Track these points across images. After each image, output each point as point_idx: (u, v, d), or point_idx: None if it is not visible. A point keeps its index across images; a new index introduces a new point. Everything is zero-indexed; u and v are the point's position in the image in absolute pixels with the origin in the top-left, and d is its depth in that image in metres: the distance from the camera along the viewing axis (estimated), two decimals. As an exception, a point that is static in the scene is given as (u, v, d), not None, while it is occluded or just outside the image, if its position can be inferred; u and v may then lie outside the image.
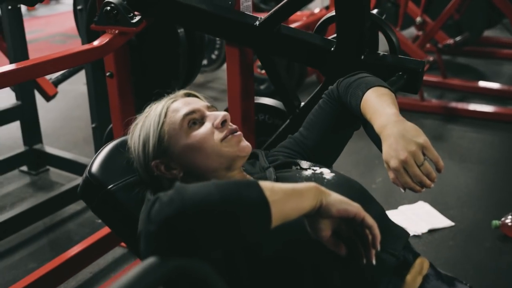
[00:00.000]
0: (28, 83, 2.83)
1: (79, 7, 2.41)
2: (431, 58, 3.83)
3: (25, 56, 2.73)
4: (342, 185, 1.13)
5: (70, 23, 2.93)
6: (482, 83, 4.25)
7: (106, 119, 2.41)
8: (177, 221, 0.75)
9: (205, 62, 4.29)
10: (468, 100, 4.01)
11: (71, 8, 2.57)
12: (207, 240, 0.77)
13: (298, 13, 4.05)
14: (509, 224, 2.30)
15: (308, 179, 1.14)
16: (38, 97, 2.95)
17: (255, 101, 1.83)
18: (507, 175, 2.93)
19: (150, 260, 0.72)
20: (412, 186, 1.00)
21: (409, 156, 0.99)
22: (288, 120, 1.71)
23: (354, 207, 0.91)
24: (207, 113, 1.17)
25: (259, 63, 3.45)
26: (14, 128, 3.18)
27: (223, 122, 1.15)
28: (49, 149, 3.00)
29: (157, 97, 1.24)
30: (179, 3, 1.67)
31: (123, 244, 2.22)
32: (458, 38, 4.21)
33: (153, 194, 1.12)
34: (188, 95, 1.23)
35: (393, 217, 2.41)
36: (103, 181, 1.20)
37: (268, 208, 0.80)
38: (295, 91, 1.76)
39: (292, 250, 1.00)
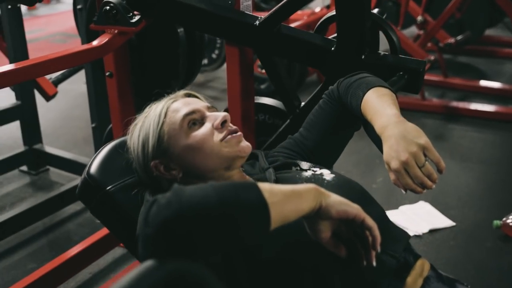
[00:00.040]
0: (28, 82, 2.83)
1: (78, 7, 2.40)
2: (432, 57, 3.82)
3: (25, 56, 2.72)
4: (342, 186, 1.12)
5: (70, 23, 2.92)
6: (484, 82, 4.25)
7: (106, 119, 2.41)
8: (175, 224, 0.74)
9: (205, 61, 4.28)
10: (469, 99, 4.00)
11: (71, 7, 2.57)
12: (205, 243, 0.76)
13: (299, 12, 4.04)
14: (511, 224, 2.29)
15: (308, 180, 1.13)
16: (38, 97, 2.95)
17: (255, 101, 1.82)
18: (508, 174, 2.92)
19: (148, 263, 0.71)
20: (413, 187, 0.99)
21: (410, 157, 0.98)
22: (288, 120, 1.70)
23: (354, 209, 0.90)
24: (207, 113, 1.17)
25: (259, 62, 3.44)
26: (14, 128, 3.18)
27: (223, 123, 1.15)
28: (49, 149, 3.00)
29: (157, 97, 1.23)
30: (178, 2, 1.66)
31: (122, 244, 2.22)
32: (459, 37, 4.20)
33: (152, 195, 1.11)
34: (188, 95, 1.23)
35: (394, 217, 2.41)
36: (101, 182, 1.20)
37: (267, 210, 0.79)
38: (295, 90, 1.75)
39: (292, 252, 0.99)
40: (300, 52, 1.59)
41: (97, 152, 1.28)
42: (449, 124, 3.65)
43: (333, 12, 1.53)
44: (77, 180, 2.67)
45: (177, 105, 1.17)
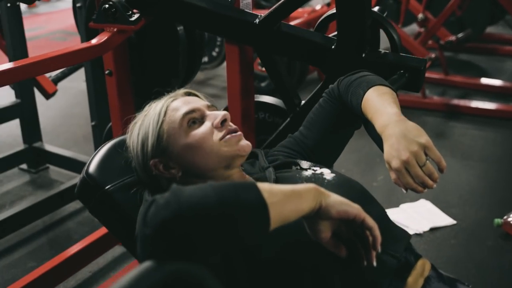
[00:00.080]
0: (27, 81, 2.82)
1: (78, 5, 2.39)
2: (433, 55, 3.81)
3: (25, 54, 2.72)
4: (342, 185, 1.11)
5: (70, 20, 2.91)
6: (484, 80, 4.24)
7: (105, 117, 2.40)
8: (173, 224, 0.74)
9: (205, 59, 4.27)
10: (470, 97, 3.99)
11: (71, 5, 2.56)
12: (204, 243, 0.75)
13: (299, 9, 4.02)
14: (512, 222, 2.28)
15: (308, 179, 1.13)
16: (38, 95, 2.94)
17: (255, 99, 1.82)
18: (509, 172, 2.92)
19: (146, 264, 0.71)
20: (414, 186, 0.99)
21: (411, 156, 0.97)
22: (288, 119, 1.70)
23: (354, 208, 0.90)
24: (207, 112, 1.16)
25: (260, 60, 3.43)
26: (13, 126, 3.17)
27: (223, 122, 1.14)
28: (49, 147, 2.99)
29: (157, 95, 1.23)
30: (178, 0, 1.65)
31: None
32: (460, 35, 4.19)
33: (151, 195, 1.11)
34: (188, 94, 1.22)
35: (395, 215, 2.41)
36: (100, 181, 1.20)
37: (266, 210, 0.79)
38: (295, 89, 1.75)
39: (292, 252, 0.99)
40: (300, 50, 1.58)
41: (96, 151, 1.27)
42: (450, 122, 3.64)
43: (334, 10, 1.52)
44: (77, 178, 2.64)
45: (177, 104, 1.16)
